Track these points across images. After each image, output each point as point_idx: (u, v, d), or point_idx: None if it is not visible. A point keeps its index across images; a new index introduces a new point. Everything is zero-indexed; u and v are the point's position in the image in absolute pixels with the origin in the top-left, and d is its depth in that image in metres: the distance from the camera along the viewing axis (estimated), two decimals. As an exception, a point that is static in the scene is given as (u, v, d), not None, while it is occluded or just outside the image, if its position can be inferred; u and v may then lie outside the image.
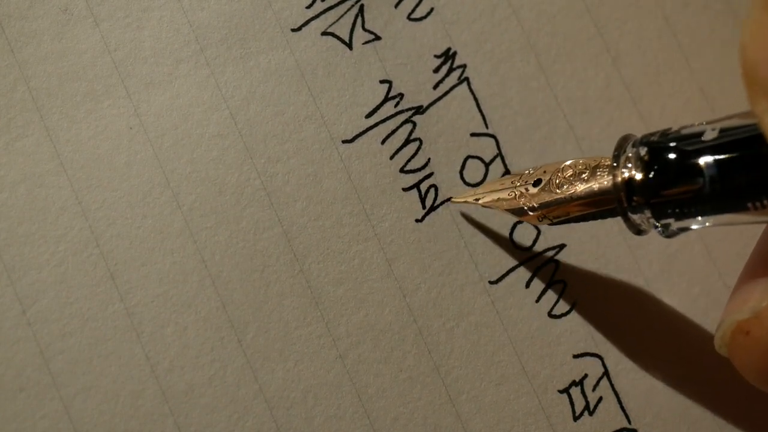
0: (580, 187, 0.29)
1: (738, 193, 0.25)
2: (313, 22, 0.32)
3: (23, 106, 0.30)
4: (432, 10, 0.33)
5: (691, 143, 0.26)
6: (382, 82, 0.32)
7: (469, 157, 0.32)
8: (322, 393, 0.30)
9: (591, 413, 0.31)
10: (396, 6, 0.33)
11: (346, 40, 0.32)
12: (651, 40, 0.34)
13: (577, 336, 0.32)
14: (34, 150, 0.30)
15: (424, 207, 0.32)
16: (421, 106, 0.32)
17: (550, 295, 0.32)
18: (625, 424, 0.32)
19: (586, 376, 0.32)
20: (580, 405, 0.31)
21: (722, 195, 0.25)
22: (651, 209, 0.27)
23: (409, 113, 0.32)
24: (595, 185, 0.28)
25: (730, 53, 0.34)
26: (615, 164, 0.28)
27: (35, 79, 0.30)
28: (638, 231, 0.28)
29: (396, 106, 0.32)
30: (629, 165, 0.27)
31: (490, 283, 0.32)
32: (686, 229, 0.27)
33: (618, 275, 0.33)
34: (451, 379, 0.31)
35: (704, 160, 0.25)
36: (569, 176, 0.29)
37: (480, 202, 0.31)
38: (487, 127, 0.33)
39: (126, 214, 0.30)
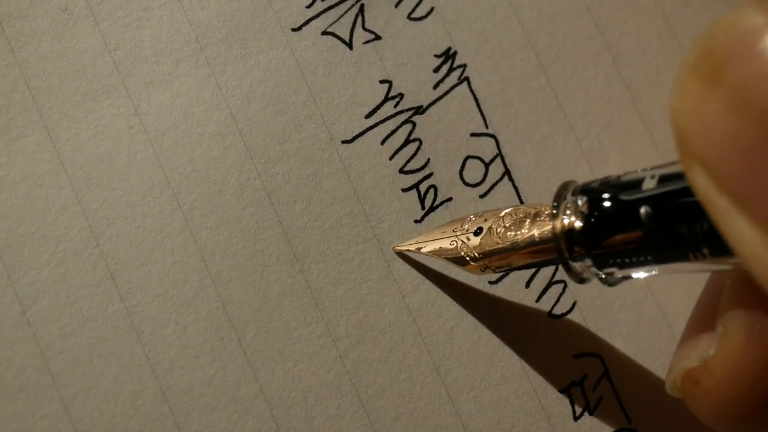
0: (521, 237, 0.28)
1: (678, 243, 0.24)
2: (313, 21, 0.32)
3: (23, 105, 0.30)
4: (432, 9, 0.33)
5: (630, 192, 0.25)
6: (382, 81, 0.32)
7: (468, 157, 0.32)
8: (322, 393, 0.30)
9: (591, 413, 0.31)
10: (396, 5, 0.33)
11: (347, 39, 0.32)
12: (651, 40, 0.34)
13: (577, 336, 0.32)
14: (34, 150, 0.30)
15: (423, 207, 0.32)
16: (421, 106, 0.32)
17: (550, 295, 0.32)
18: (625, 424, 0.32)
19: (586, 376, 0.32)
20: (580, 405, 0.31)
21: (662, 245, 0.25)
22: (592, 259, 0.26)
23: (409, 113, 0.32)
24: (536, 234, 0.28)
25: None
26: (555, 212, 0.27)
27: (35, 79, 0.30)
28: (580, 280, 0.27)
29: (396, 106, 0.32)
30: (569, 212, 0.27)
31: (490, 283, 0.32)
32: (629, 277, 0.27)
33: (618, 275, 0.33)
34: (451, 379, 0.31)
35: (644, 209, 0.25)
36: (509, 225, 0.29)
37: (423, 251, 0.31)
38: (487, 127, 0.33)
39: (126, 214, 0.30)
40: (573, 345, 0.32)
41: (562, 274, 0.32)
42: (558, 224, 0.27)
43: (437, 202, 0.32)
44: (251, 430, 0.30)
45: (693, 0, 0.35)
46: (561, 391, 0.31)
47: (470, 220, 0.30)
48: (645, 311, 0.32)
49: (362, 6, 0.33)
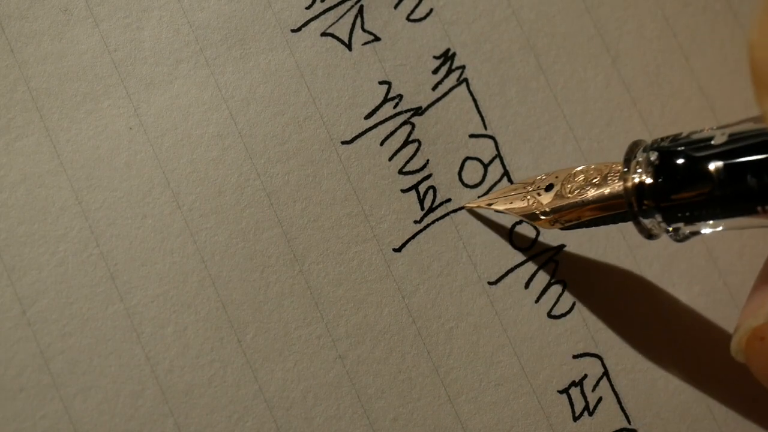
0: (592, 192, 0.29)
1: (747, 197, 0.25)
2: (312, 22, 0.32)
3: (23, 106, 0.30)
4: (431, 10, 0.33)
5: (700, 148, 0.26)
6: (381, 83, 0.32)
7: (468, 158, 0.32)
8: (322, 393, 0.30)
9: (591, 413, 0.31)
10: (395, 7, 0.33)
11: (346, 40, 0.32)
12: (651, 40, 0.34)
13: (577, 336, 0.32)
14: (34, 150, 0.30)
15: (422, 208, 0.32)
16: (420, 107, 0.32)
17: (550, 295, 0.32)
18: (625, 424, 0.32)
19: (585, 376, 0.32)
20: (579, 405, 0.31)
21: (732, 199, 0.26)
22: (661, 213, 0.27)
23: (408, 114, 0.32)
24: (606, 190, 0.29)
25: (730, 53, 0.34)
26: (626, 169, 0.28)
27: (35, 79, 0.30)
28: (649, 235, 0.28)
29: (395, 107, 0.32)
30: (639, 170, 0.28)
31: (489, 283, 0.32)
32: (697, 233, 0.28)
33: (618, 275, 0.33)
34: (451, 379, 0.31)
35: (714, 164, 0.26)
36: (581, 181, 0.29)
37: (494, 207, 0.31)
38: (486, 128, 0.33)
39: (126, 214, 0.30)
40: (572, 345, 0.32)
41: (561, 274, 0.32)
42: (629, 179, 0.28)
43: (436, 203, 0.32)
44: (251, 430, 0.30)
45: (693, 0, 0.35)
46: (560, 392, 0.31)
47: (541, 179, 0.31)
48: (645, 311, 0.32)
49: (361, 7, 0.33)
